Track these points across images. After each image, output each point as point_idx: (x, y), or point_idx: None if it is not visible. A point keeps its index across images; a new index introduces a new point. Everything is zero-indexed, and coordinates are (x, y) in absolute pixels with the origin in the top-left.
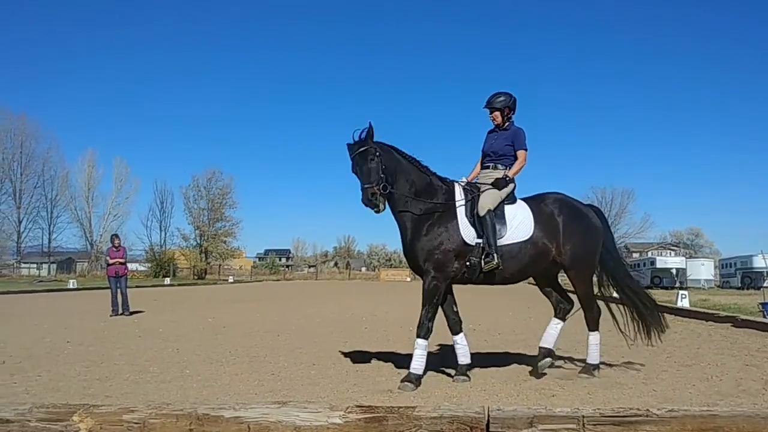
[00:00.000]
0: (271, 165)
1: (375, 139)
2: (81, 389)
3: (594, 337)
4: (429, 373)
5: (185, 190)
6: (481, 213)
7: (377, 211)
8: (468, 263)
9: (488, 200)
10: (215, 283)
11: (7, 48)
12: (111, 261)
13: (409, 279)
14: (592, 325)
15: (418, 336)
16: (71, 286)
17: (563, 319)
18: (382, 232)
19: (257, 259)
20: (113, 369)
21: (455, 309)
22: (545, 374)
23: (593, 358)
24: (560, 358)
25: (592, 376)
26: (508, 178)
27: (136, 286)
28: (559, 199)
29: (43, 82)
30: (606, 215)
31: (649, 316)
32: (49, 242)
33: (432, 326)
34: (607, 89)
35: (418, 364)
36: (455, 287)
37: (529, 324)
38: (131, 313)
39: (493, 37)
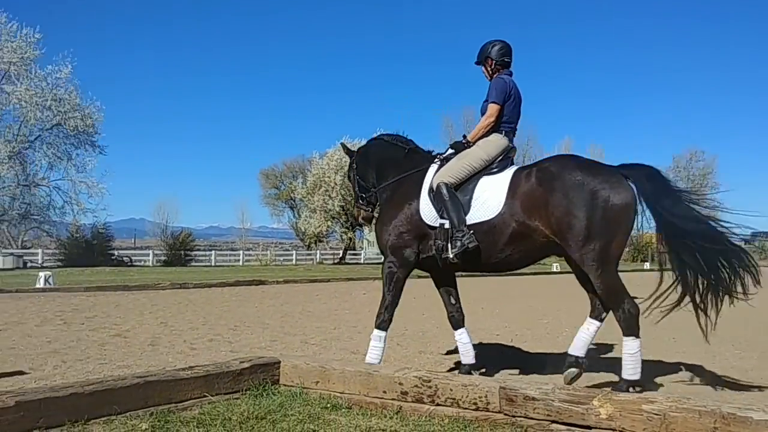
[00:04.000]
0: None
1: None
2: (586, 372)
3: (630, 344)
4: None
5: (666, 172)
6: (434, 186)
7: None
8: (435, 247)
9: (445, 171)
10: None
11: None
12: None
13: None
14: (627, 328)
15: (375, 326)
16: (554, 270)
17: (599, 319)
18: None
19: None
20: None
21: (454, 301)
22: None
23: (629, 371)
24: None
25: None
26: (465, 142)
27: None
28: (553, 165)
29: (522, 77)
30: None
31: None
32: None
33: (390, 317)
34: None
35: (371, 357)
36: None
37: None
38: None
39: None
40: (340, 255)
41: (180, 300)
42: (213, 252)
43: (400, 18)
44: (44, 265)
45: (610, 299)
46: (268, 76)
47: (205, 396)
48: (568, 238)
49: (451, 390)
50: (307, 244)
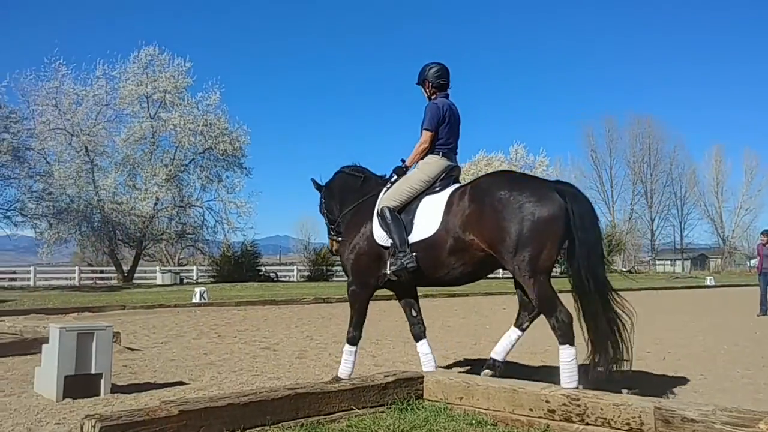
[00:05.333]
0: None
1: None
2: (748, 393)
3: (566, 352)
4: None
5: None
6: (378, 210)
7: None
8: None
9: (389, 195)
10: None
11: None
12: (760, 257)
13: None
14: (562, 336)
15: (347, 341)
16: (708, 283)
17: (521, 329)
18: None
19: None
20: None
21: (415, 313)
22: None
23: (567, 380)
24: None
25: None
26: (404, 167)
27: None
28: (484, 182)
29: (667, 84)
30: None
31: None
32: (681, 239)
33: (357, 334)
34: None
35: (343, 370)
36: None
37: None
38: None
39: None
40: None
41: (323, 314)
42: None
43: (531, 24)
44: (198, 281)
45: (543, 308)
46: (403, 91)
47: (351, 409)
48: (501, 250)
49: (602, 409)
50: None
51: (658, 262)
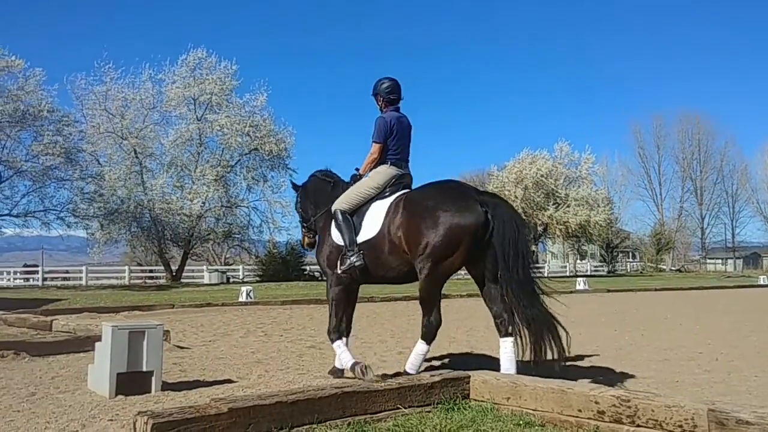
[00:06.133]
0: None
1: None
2: None
3: (421, 347)
4: None
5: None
6: (332, 212)
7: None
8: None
9: (341, 199)
10: None
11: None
12: None
13: None
14: (426, 334)
15: (331, 341)
16: (762, 282)
17: (508, 334)
18: None
19: None
20: None
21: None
22: None
23: (410, 366)
24: None
25: None
26: (357, 174)
27: None
28: (416, 193)
29: (716, 80)
30: None
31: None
32: (733, 237)
33: (343, 327)
34: None
35: (345, 361)
36: None
37: None
38: None
39: None
40: None
41: (368, 313)
42: None
43: (576, 19)
44: (244, 280)
45: (425, 304)
46: (445, 90)
47: (398, 408)
48: (413, 252)
49: (653, 411)
50: None
51: (708, 261)
